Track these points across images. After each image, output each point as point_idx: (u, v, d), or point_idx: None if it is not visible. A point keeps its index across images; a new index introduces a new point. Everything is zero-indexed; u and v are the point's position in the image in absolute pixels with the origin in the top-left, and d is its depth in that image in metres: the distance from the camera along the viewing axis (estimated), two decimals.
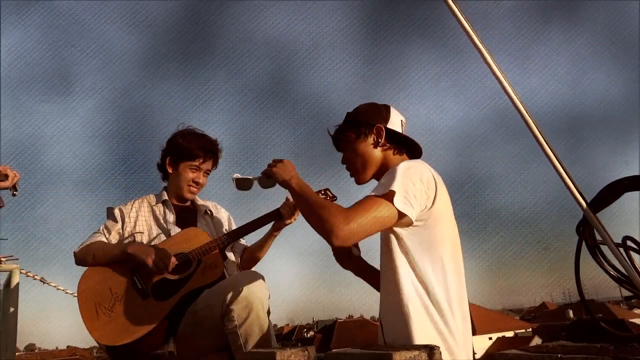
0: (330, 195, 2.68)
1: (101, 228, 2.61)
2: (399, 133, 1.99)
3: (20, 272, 3.55)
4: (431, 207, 1.71)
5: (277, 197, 2.65)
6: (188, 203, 2.76)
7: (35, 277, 4.15)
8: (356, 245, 2.12)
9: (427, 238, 1.73)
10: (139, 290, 2.36)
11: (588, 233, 0.86)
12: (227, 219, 2.84)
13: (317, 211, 1.67)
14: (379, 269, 1.90)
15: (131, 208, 2.66)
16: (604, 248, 0.85)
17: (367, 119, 1.99)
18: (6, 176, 2.41)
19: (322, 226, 1.62)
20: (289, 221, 2.57)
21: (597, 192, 0.93)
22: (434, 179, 1.76)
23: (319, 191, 2.65)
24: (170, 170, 2.71)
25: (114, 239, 2.57)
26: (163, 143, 2.72)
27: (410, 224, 1.71)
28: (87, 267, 2.44)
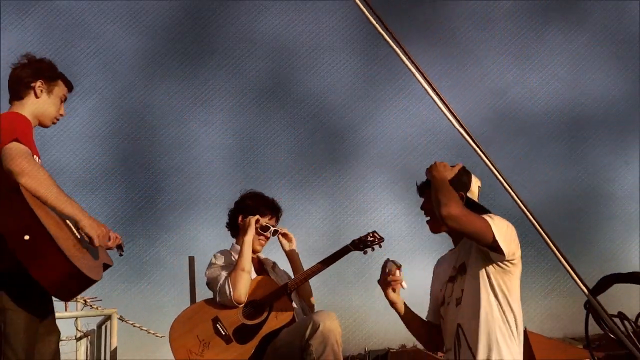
0: (378, 237, 3.02)
1: (214, 272, 2.98)
2: (476, 203, 2.46)
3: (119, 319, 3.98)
4: (518, 255, 2.31)
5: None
6: (255, 257, 3.13)
7: (135, 324, 4.59)
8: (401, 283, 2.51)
9: (515, 276, 2.31)
10: (223, 336, 2.78)
11: (592, 309, 1.19)
12: (285, 272, 3.22)
13: (444, 194, 2.25)
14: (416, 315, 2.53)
15: (222, 261, 3.03)
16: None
17: (452, 185, 2.39)
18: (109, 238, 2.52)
19: (441, 203, 2.21)
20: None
21: (596, 282, 1.24)
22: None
23: (368, 234, 3.01)
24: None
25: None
26: (231, 204, 3.20)
27: (502, 260, 2.26)
28: (176, 318, 2.88)
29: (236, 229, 3.16)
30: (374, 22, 1.00)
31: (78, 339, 5.68)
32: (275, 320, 2.80)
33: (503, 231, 2.26)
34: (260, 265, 3.17)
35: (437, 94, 1.05)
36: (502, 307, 2.27)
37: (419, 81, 1.08)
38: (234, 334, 2.78)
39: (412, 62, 1.03)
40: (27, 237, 2.07)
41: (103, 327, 4.43)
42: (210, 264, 3.05)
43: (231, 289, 2.84)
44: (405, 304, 2.56)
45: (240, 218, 3.12)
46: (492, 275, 2.29)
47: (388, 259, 3.00)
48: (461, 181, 2.45)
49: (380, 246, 3.02)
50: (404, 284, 2.47)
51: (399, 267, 2.50)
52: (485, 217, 2.28)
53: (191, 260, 3.76)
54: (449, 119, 1.08)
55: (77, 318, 5.70)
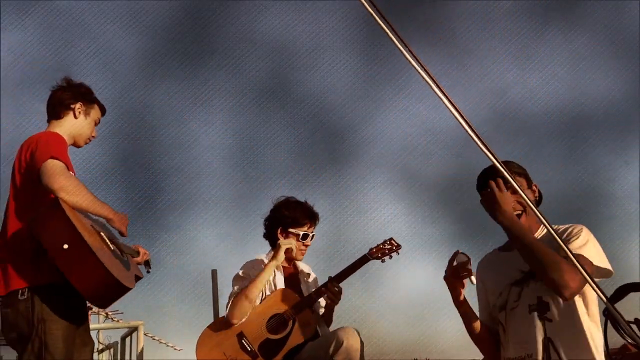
0: (396, 245, 3.03)
1: (234, 291, 3.01)
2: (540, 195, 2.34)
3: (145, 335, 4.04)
4: None
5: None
6: (291, 265, 3.18)
7: (161, 340, 4.64)
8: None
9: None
10: (249, 352, 2.84)
11: (611, 316, 1.27)
12: (315, 281, 3.24)
13: (548, 264, 2.01)
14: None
15: (255, 272, 3.02)
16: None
17: (527, 176, 2.31)
18: (137, 252, 2.64)
19: (556, 283, 1.99)
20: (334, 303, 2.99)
21: (614, 290, 1.34)
22: None
23: (385, 241, 3.03)
24: (282, 239, 3.08)
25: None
26: (266, 214, 3.19)
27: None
28: (201, 334, 2.95)
29: (274, 241, 3.11)
30: (378, 19, 1.06)
31: (100, 352, 5.78)
32: (299, 335, 2.86)
33: (603, 256, 2.13)
34: (295, 274, 3.19)
35: (443, 92, 1.11)
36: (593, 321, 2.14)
37: (424, 79, 1.12)
38: (259, 349, 2.85)
39: (417, 61, 1.09)
40: (66, 246, 2.19)
41: (127, 339, 4.52)
42: (235, 276, 3.10)
43: (228, 310, 2.94)
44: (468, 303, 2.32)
45: (279, 230, 3.10)
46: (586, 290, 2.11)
47: (458, 251, 2.77)
48: (525, 174, 2.33)
49: (397, 253, 3.02)
50: (473, 278, 2.22)
51: (469, 258, 2.26)
52: (583, 254, 2.06)
53: (214, 273, 3.82)
54: (455, 117, 1.13)
55: (99, 330, 5.80)
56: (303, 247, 3.11)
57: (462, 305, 2.27)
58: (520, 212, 2.22)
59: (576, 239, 2.12)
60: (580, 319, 2.10)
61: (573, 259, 1.18)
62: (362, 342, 2.69)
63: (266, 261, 3.06)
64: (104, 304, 2.59)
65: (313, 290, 3.16)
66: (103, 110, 2.75)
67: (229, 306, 2.96)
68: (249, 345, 2.86)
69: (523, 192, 2.05)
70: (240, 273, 3.09)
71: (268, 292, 3.04)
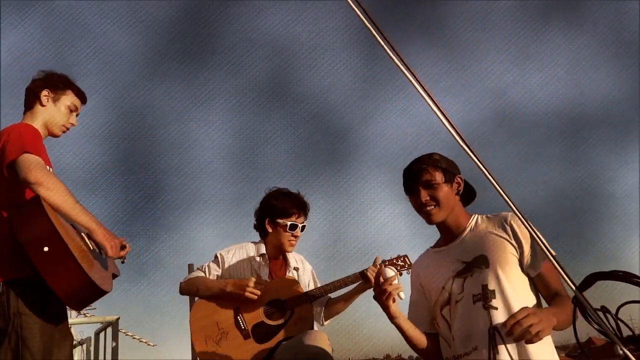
0: (409, 264, 2.98)
1: (204, 266, 3.02)
2: (469, 186, 2.28)
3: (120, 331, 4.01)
4: None
5: (363, 261, 3.02)
6: (280, 257, 3.11)
7: (128, 333, 4.57)
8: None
9: None
10: (242, 330, 2.81)
11: (579, 304, 1.33)
12: (311, 274, 3.21)
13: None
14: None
15: (232, 256, 3.03)
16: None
17: (451, 168, 2.23)
18: (124, 247, 2.54)
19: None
20: (371, 286, 2.93)
21: (583, 278, 1.40)
22: None
23: (399, 257, 3.00)
24: (270, 230, 3.07)
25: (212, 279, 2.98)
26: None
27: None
28: (197, 299, 2.95)
29: (264, 232, 3.11)
30: (367, 23, 1.10)
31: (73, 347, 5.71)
32: (294, 327, 2.83)
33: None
34: (283, 265, 3.13)
35: (427, 93, 1.15)
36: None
37: (411, 82, 1.16)
38: (252, 329, 2.82)
39: (405, 64, 1.13)
40: (46, 249, 2.16)
41: (101, 334, 4.48)
42: (216, 255, 3.06)
43: (185, 278, 2.98)
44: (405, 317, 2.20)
45: (267, 221, 3.07)
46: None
47: (383, 263, 2.88)
48: (454, 164, 2.28)
49: (408, 273, 2.90)
50: (401, 294, 2.07)
51: (396, 272, 2.12)
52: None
53: (190, 268, 3.82)
54: (442, 121, 1.17)
55: (71, 325, 5.73)
56: (292, 238, 3.05)
57: (397, 322, 2.12)
58: (432, 206, 2.20)
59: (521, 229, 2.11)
60: (529, 304, 2.01)
61: (555, 263, 1.24)
62: (330, 348, 2.65)
63: (253, 253, 3.06)
64: (79, 306, 2.57)
65: (310, 285, 3.14)
66: (81, 97, 2.69)
67: (190, 276, 2.99)
68: (243, 323, 2.83)
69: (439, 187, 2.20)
70: (220, 254, 3.05)
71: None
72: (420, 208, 2.24)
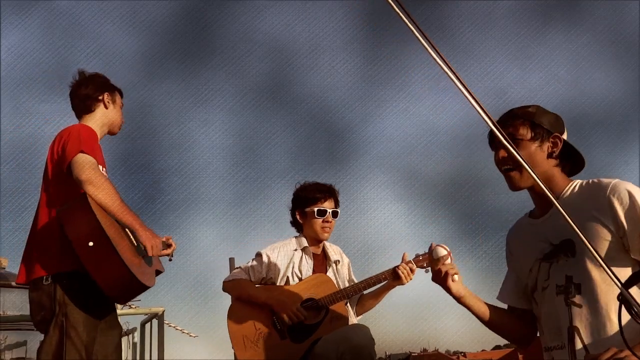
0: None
1: (247, 267, 3.01)
2: (573, 149, 1.89)
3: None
4: None
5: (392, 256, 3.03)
6: (320, 251, 3.12)
7: (177, 327, 4.70)
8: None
9: None
10: (278, 330, 2.84)
11: (625, 300, 1.30)
12: (348, 267, 3.23)
13: None
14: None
15: (277, 254, 3.02)
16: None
17: (547, 124, 1.86)
18: (169, 245, 2.62)
19: None
20: (402, 283, 2.93)
21: (629, 275, 1.35)
22: None
23: (425, 253, 2.94)
24: (301, 221, 3.10)
25: (255, 281, 3.01)
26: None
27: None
28: (233, 302, 2.96)
29: (299, 225, 3.13)
30: (402, 16, 1.07)
31: None
32: (330, 326, 2.84)
33: None
34: (324, 259, 3.13)
35: (462, 83, 1.13)
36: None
37: (442, 68, 1.13)
38: (289, 330, 2.84)
39: (438, 53, 1.10)
40: (91, 244, 2.25)
41: (147, 325, 4.60)
42: (257, 254, 3.06)
43: (230, 278, 2.99)
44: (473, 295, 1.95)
45: (298, 214, 3.11)
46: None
47: (433, 244, 2.52)
48: (553, 119, 1.90)
49: (426, 272, 2.93)
50: (456, 276, 1.89)
51: (449, 251, 1.94)
52: None
53: (231, 261, 3.86)
54: (475, 108, 1.14)
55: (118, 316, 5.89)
56: (324, 225, 3.03)
57: (464, 301, 1.92)
58: (509, 166, 1.86)
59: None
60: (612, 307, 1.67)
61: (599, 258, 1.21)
62: (372, 340, 2.67)
63: (295, 246, 3.06)
64: (122, 300, 2.66)
65: (347, 279, 3.15)
66: (122, 94, 2.81)
67: (232, 277, 3.00)
68: (279, 324, 2.85)
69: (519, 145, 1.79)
70: (266, 254, 3.03)
71: (290, 275, 3.00)
72: (498, 168, 1.91)
